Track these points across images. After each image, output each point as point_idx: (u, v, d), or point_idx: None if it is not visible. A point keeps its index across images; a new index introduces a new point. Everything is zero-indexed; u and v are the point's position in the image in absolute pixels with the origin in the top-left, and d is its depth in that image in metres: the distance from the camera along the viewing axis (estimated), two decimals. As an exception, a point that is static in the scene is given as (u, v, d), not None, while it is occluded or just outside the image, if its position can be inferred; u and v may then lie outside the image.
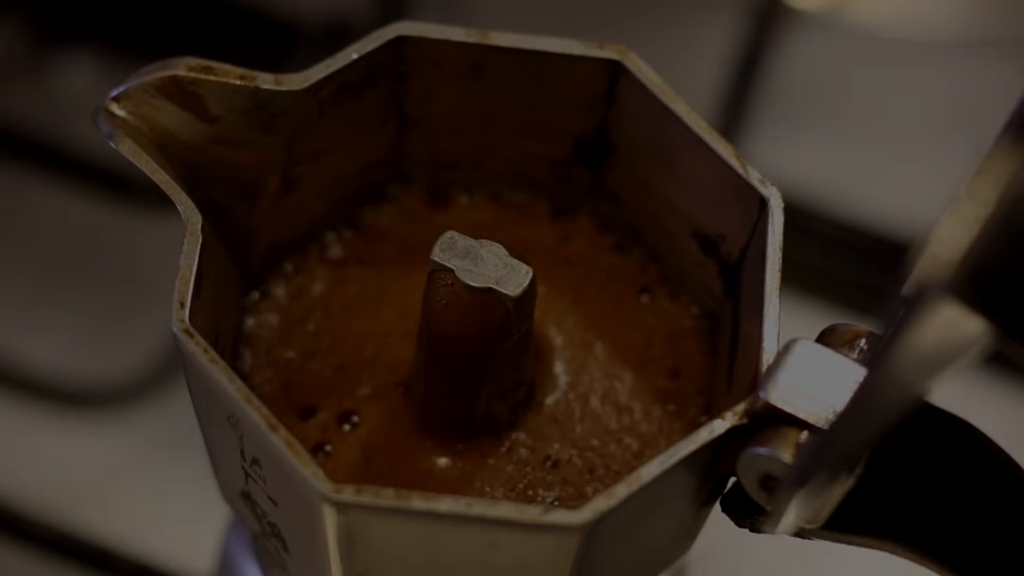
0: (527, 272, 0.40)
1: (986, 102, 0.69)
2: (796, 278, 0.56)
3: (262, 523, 0.42)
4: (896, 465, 0.39)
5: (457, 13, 0.70)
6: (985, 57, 0.73)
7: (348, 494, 0.37)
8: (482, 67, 0.43)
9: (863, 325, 0.40)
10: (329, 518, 0.37)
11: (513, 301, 0.40)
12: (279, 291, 0.45)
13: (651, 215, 0.45)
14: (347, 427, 0.43)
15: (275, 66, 0.43)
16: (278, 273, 0.45)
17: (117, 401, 0.65)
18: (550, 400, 0.43)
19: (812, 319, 0.45)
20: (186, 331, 0.39)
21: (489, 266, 0.40)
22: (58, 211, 0.69)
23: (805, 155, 0.70)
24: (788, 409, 0.38)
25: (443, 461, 0.42)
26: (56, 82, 0.71)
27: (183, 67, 0.41)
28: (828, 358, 0.38)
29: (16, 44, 0.72)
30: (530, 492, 0.42)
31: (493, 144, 0.45)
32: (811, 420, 0.38)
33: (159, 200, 0.41)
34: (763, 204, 0.41)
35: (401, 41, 0.43)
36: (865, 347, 0.39)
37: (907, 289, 0.33)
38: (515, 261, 0.40)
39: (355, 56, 0.42)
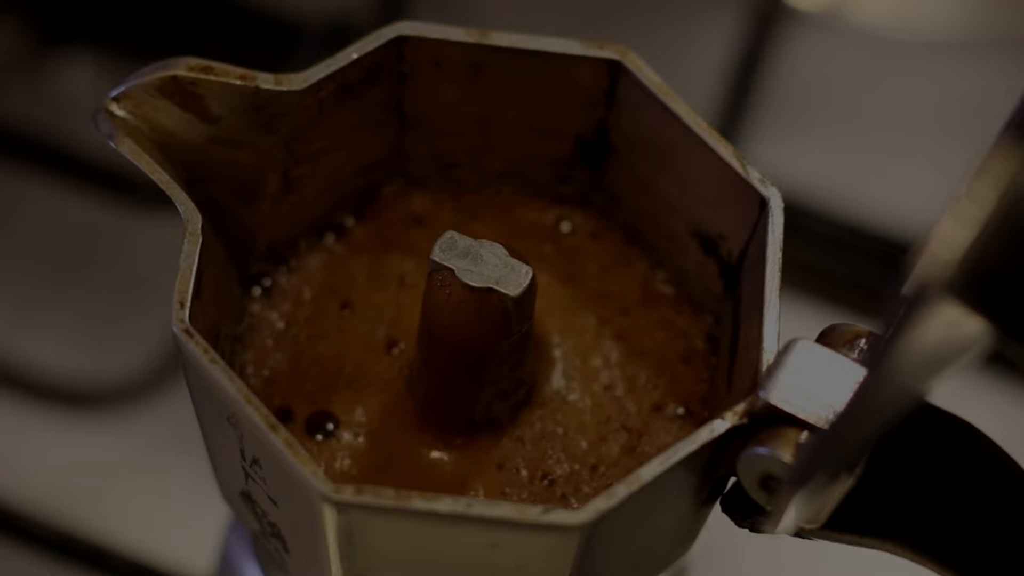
0: (527, 272, 0.40)
1: (986, 102, 0.69)
2: (796, 278, 0.56)
3: (262, 523, 0.42)
4: (896, 465, 0.39)
5: (457, 13, 0.70)
6: (985, 57, 0.73)
7: (348, 494, 0.37)
8: (482, 67, 0.43)
9: (863, 325, 0.40)
10: (329, 518, 0.37)
11: (513, 301, 0.40)
12: (279, 290, 0.45)
13: (651, 215, 0.45)
14: (345, 426, 0.43)
15: (275, 66, 0.43)
16: (279, 273, 0.45)
17: (117, 401, 0.65)
18: (549, 399, 0.43)
19: (812, 319, 0.45)
20: (186, 331, 0.39)
21: (489, 266, 0.40)
22: (58, 211, 0.69)
23: (805, 155, 0.70)
24: (788, 409, 0.38)
25: (442, 461, 0.42)
26: (56, 82, 0.71)
27: (183, 67, 0.41)
28: (828, 358, 0.38)
29: (16, 44, 0.72)
30: (530, 492, 0.42)
31: (493, 144, 0.45)
32: (811, 420, 0.38)
33: (159, 200, 0.41)
34: (763, 204, 0.41)
35: (401, 41, 0.43)
36: (865, 347, 0.39)
37: (907, 289, 0.33)
38: (515, 261, 0.40)
39: (355, 56, 0.42)
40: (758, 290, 0.40)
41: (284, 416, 0.43)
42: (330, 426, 0.43)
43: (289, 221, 0.45)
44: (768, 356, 0.39)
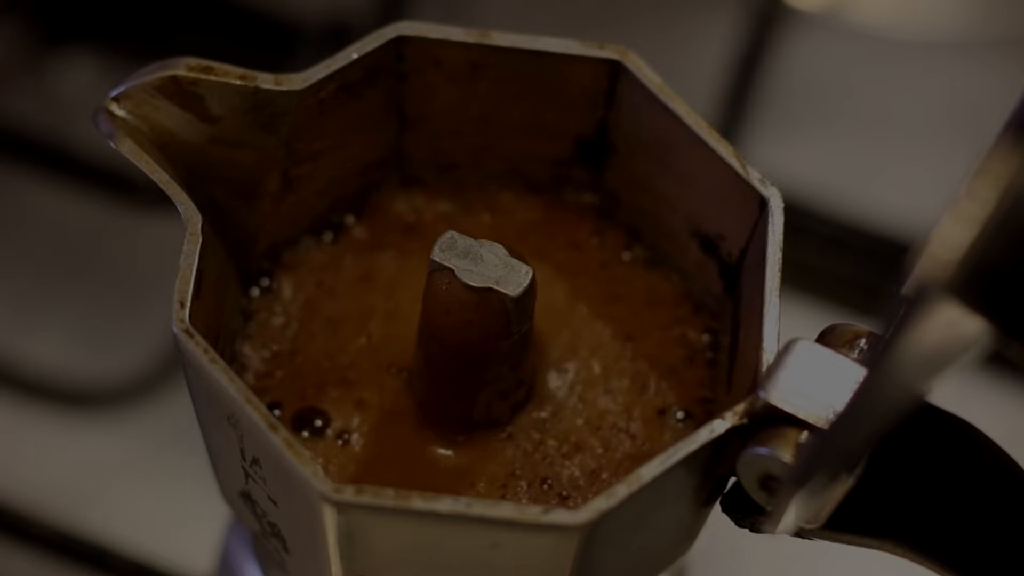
0: (527, 272, 0.40)
1: (986, 102, 0.69)
2: (796, 278, 0.56)
3: (262, 523, 0.42)
4: (896, 465, 0.39)
5: (457, 13, 0.70)
6: (985, 57, 0.73)
7: (348, 494, 0.37)
8: (482, 67, 0.43)
9: (863, 325, 0.40)
10: (329, 518, 0.37)
11: (513, 301, 0.40)
12: (279, 291, 0.45)
13: (651, 215, 0.45)
14: (338, 424, 0.43)
15: (275, 66, 0.43)
16: (278, 273, 0.45)
17: (117, 401, 0.65)
18: (549, 399, 0.43)
19: (812, 319, 0.45)
20: (186, 331, 0.39)
21: (489, 266, 0.40)
22: (58, 211, 0.69)
23: (805, 155, 0.70)
24: (788, 409, 0.38)
25: (442, 461, 0.42)
26: (56, 82, 0.71)
27: (183, 67, 0.41)
28: (828, 358, 0.38)
29: (16, 44, 0.72)
30: (530, 491, 0.42)
31: (493, 144, 0.45)
32: (811, 420, 0.38)
33: (159, 200, 0.41)
34: (763, 204, 0.41)
35: (401, 41, 0.43)
36: (865, 347, 0.39)
37: (907, 289, 0.33)
38: (515, 261, 0.40)
39: (355, 56, 0.42)
40: (758, 290, 0.40)
41: (305, 410, 0.43)
42: (319, 423, 0.43)
43: (289, 221, 0.45)
44: (768, 356, 0.39)
